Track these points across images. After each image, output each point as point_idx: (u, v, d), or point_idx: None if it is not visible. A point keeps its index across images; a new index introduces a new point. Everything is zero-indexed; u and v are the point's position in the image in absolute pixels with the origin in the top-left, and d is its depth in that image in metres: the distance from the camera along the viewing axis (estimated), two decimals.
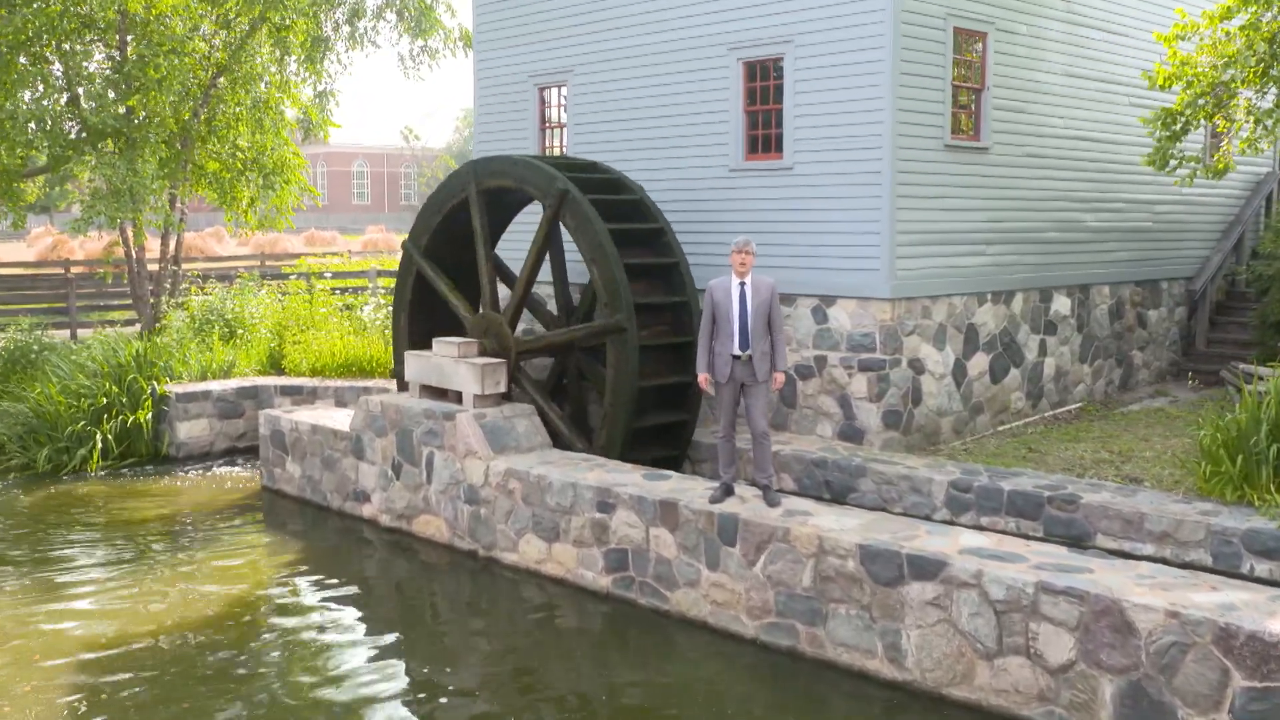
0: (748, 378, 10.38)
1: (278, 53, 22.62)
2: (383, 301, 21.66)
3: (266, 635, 10.55)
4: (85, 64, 21.43)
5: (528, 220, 16.45)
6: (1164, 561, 10.05)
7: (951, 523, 11.46)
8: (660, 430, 13.76)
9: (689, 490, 10.98)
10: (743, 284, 10.34)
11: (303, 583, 12.10)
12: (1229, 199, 19.29)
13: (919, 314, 13.68)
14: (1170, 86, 13.43)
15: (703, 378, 10.58)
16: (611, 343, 12.95)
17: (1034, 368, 15.55)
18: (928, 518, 11.72)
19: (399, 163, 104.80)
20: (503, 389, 13.29)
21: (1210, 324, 18.65)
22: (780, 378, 10.52)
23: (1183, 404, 16.25)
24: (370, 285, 22.75)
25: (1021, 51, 14.69)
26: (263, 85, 22.76)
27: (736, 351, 10.30)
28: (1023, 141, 14.90)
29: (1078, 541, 10.67)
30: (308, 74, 22.84)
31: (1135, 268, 17.41)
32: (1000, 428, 14.89)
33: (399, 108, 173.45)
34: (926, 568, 8.85)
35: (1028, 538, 10.70)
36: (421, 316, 15.43)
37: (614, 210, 13.98)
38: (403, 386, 15.36)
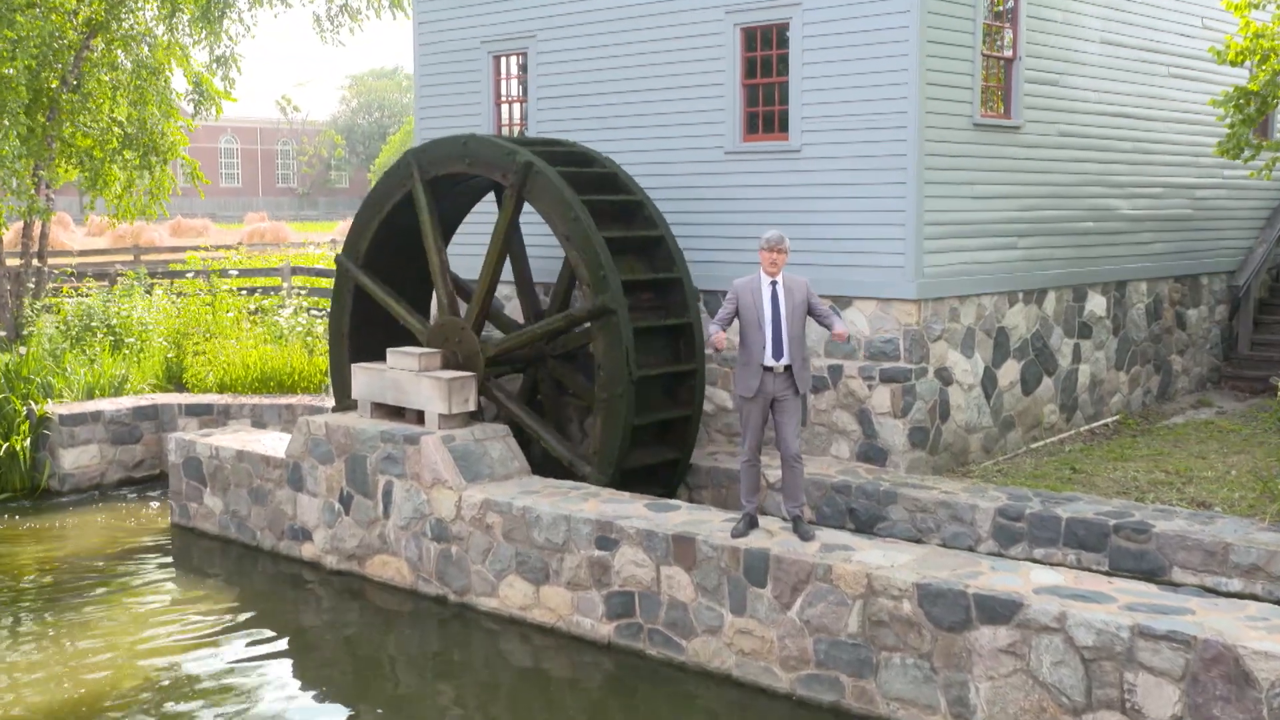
0: (781, 391, 10.45)
1: (167, 8, 22.24)
2: (305, 304, 21.44)
3: (179, 706, 10.27)
4: None
5: (483, 217, 16.33)
6: (1254, 598, 10.29)
7: (1000, 555, 11.64)
8: (661, 428, 13.74)
9: (705, 523, 11.03)
10: (774, 284, 10.42)
11: (227, 638, 11.91)
12: (1273, 183, 19.79)
13: (946, 316, 13.87)
14: (1242, 62, 13.76)
15: (718, 335, 10.31)
16: (599, 329, 12.93)
17: (1068, 376, 15.85)
18: (971, 549, 11.89)
19: (274, 138, 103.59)
20: (472, 406, 13.24)
21: (1254, 324, 19.15)
22: (845, 331, 10.50)
23: (1232, 415, 16.67)
24: (284, 285, 22.50)
25: (1056, 16, 14.98)
26: (145, 48, 22.37)
27: (769, 362, 10.37)
28: (1056, 119, 15.18)
29: (1150, 576, 10.89)
30: (205, 35, 22.50)
31: (1174, 261, 17.84)
32: (1034, 445, 15.15)
33: (271, 74, 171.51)
34: (998, 610, 8.97)
35: (1107, 574, 10.86)
36: (366, 342, 15.23)
37: (586, 182, 13.97)
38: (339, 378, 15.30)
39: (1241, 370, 18.81)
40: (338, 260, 15.20)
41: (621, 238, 13.64)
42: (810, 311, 10.59)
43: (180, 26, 22.70)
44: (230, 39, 22.82)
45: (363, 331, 15.30)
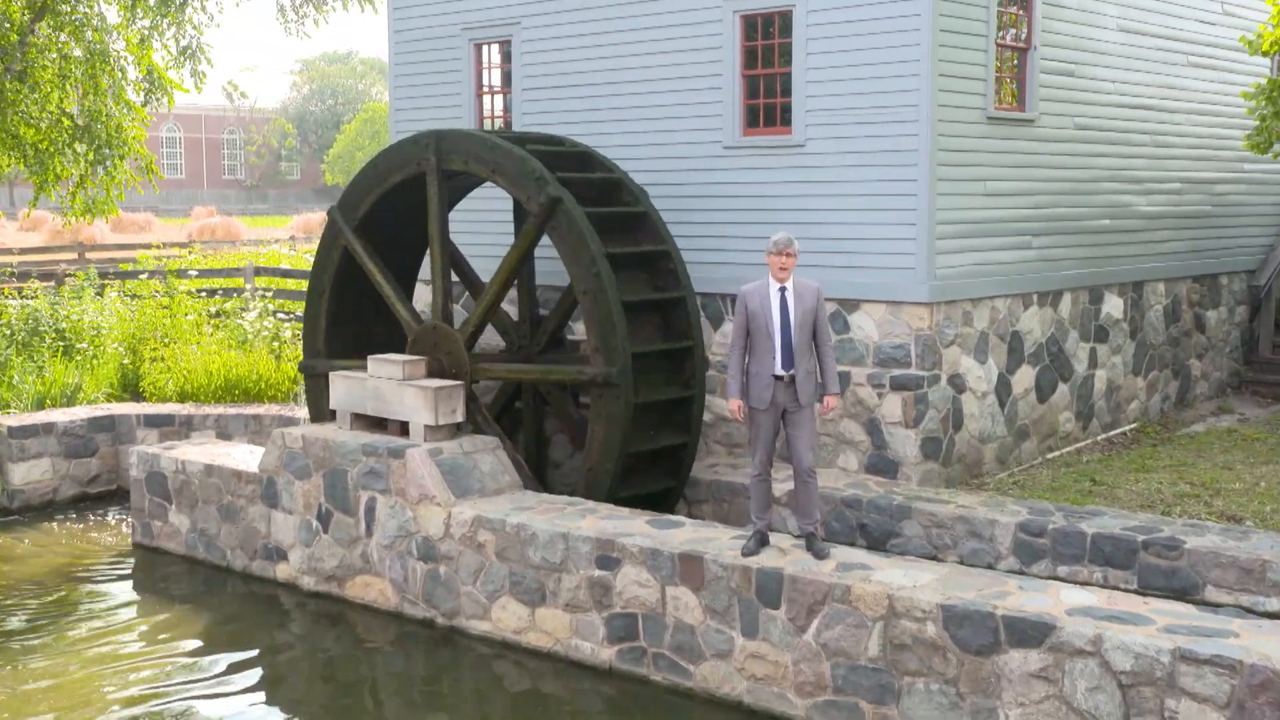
0: (791, 402, 10.51)
1: None
2: (270, 307, 21.38)
3: None
4: None
5: (481, 202, 16.33)
6: None
7: (1022, 573, 11.71)
8: (666, 410, 13.79)
9: (713, 540, 11.06)
10: (783, 290, 10.48)
11: (194, 666, 11.83)
12: None
13: (959, 320, 13.95)
14: (1274, 52, 13.92)
15: (734, 404, 10.67)
16: (598, 397, 12.94)
17: (1084, 382, 15.97)
18: (990, 567, 11.96)
19: (220, 126, 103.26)
20: (460, 418, 13.24)
21: (1275, 326, 19.36)
22: (832, 402, 10.69)
23: (1255, 423, 16.84)
24: (247, 287, 22.45)
25: (1072, 3, 15.10)
26: (98, 34, 22.26)
27: (779, 371, 10.43)
28: (1071, 111, 15.32)
29: (1182, 595, 10.98)
30: (169, 25, 22.42)
31: (1192, 260, 18.02)
32: (1049, 455, 15.27)
33: (217, 58, 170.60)
34: (1029, 632, 9.04)
35: (1138, 593, 10.93)
36: (345, 310, 15.23)
37: (608, 221, 13.91)
38: (315, 392, 15.26)
39: (1263, 375, 19.01)
40: (331, 213, 14.99)
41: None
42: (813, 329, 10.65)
43: (136, 17, 22.60)
44: (195, 28, 22.74)
45: (344, 297, 15.25)
